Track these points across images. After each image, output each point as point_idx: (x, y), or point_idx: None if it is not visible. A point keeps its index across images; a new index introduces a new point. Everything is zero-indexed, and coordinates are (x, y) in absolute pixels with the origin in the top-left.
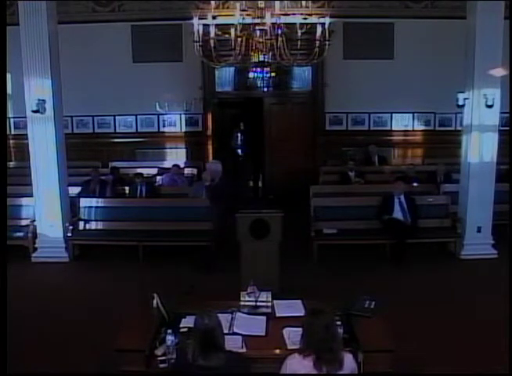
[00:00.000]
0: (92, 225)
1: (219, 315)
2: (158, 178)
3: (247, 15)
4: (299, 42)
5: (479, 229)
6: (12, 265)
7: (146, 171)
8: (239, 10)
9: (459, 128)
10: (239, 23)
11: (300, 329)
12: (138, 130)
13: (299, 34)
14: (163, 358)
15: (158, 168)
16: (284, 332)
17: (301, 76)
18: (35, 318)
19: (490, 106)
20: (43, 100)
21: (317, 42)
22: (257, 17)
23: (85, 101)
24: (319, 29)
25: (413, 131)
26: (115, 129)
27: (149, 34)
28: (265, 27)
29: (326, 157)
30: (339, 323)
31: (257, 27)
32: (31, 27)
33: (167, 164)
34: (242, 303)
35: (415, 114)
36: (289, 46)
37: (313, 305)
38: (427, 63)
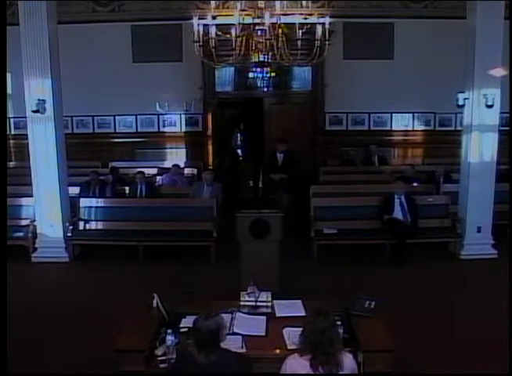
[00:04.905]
0: (92, 225)
1: None
2: (158, 178)
3: (247, 15)
4: (299, 42)
5: (479, 229)
6: (12, 265)
7: (145, 171)
8: (239, 10)
9: (459, 128)
10: (239, 23)
11: (300, 329)
12: (138, 130)
13: (299, 34)
14: (163, 358)
15: (158, 168)
16: (284, 332)
17: (301, 76)
18: (35, 318)
19: (490, 106)
20: (43, 100)
21: (317, 42)
22: (257, 17)
23: (85, 101)
24: (319, 29)
25: (413, 131)
26: (115, 129)
27: (149, 34)
28: (265, 27)
29: (326, 157)
30: (339, 323)
31: (257, 27)
32: (31, 27)
33: (167, 164)
34: (242, 303)
35: (415, 114)
36: (289, 46)
37: (314, 305)
38: (427, 63)
